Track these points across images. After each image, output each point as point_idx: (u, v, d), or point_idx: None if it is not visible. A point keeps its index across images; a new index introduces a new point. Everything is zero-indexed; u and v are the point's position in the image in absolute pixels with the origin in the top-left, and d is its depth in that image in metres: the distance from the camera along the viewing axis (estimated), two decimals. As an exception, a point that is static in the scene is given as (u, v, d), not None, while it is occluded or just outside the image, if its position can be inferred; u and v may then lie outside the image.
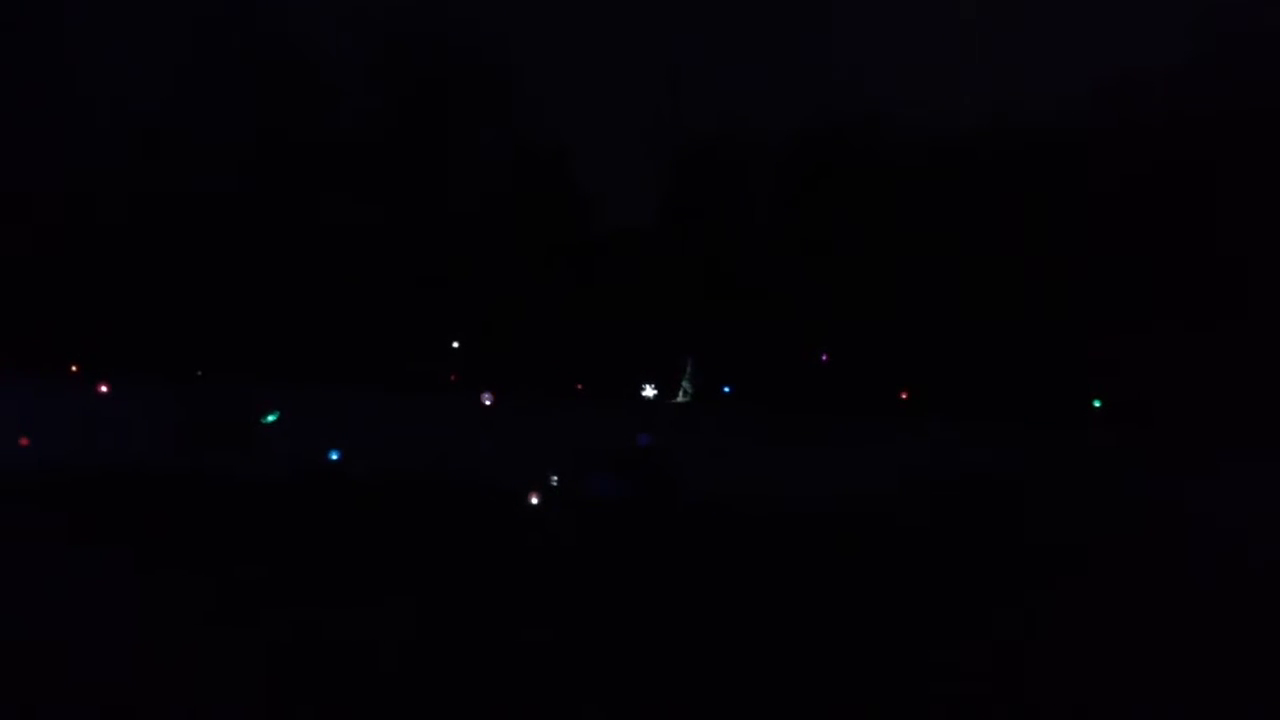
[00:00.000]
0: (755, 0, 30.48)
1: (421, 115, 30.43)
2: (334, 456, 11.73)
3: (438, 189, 29.59)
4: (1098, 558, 9.89)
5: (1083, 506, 12.22)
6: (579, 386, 23.70)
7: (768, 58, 30.41)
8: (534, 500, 10.78)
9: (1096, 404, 23.08)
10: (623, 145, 31.40)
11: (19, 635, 6.73)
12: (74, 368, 23.43)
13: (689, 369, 22.41)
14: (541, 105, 30.34)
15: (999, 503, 11.85)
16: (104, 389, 17.12)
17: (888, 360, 24.97)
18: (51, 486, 10.43)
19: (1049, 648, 7.23)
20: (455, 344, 26.27)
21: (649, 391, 21.44)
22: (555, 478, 11.53)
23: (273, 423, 13.23)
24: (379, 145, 30.42)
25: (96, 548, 8.77)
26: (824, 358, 25.99)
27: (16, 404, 17.18)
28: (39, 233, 26.39)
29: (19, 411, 15.91)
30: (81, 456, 11.61)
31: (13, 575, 8.00)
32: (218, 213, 27.26)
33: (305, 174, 28.96)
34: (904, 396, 24.16)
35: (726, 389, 23.99)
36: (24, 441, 12.09)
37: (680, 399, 22.19)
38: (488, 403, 14.75)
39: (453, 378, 23.62)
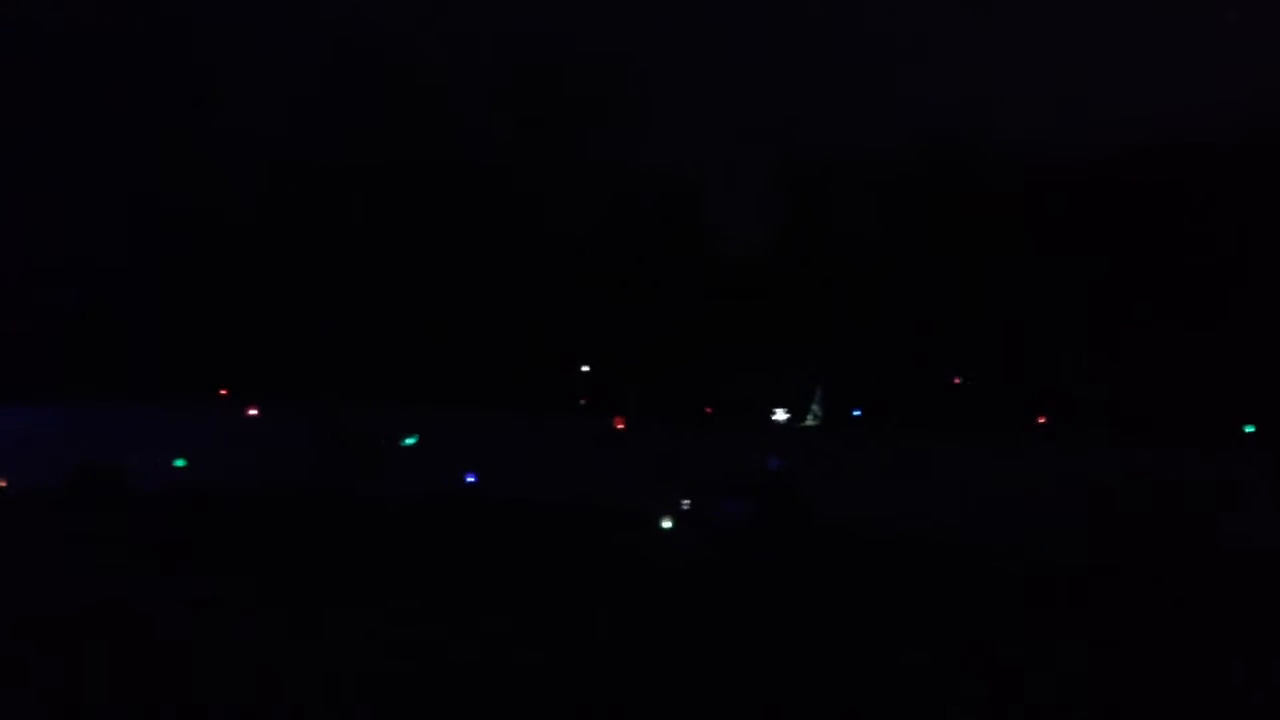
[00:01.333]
0: (863, 20, 30.24)
1: (548, 142, 30.96)
2: (470, 479, 12.00)
3: (565, 216, 30.04)
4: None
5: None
6: (708, 410, 23.65)
7: (882, 76, 30.12)
8: (666, 524, 10.85)
9: (1249, 429, 22.07)
10: (745, 170, 31.38)
11: (176, 636, 7.07)
12: (222, 391, 24.40)
13: (818, 393, 22.23)
14: (662, 131, 30.58)
15: (1145, 528, 11.49)
16: (253, 412, 17.81)
17: (1020, 381, 24.39)
18: (202, 505, 10.85)
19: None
20: (585, 368, 26.48)
21: (780, 415, 21.32)
22: (686, 501, 11.58)
23: (412, 445, 13.59)
24: (508, 172, 31.04)
25: (241, 563, 9.13)
26: (955, 380, 25.51)
27: (172, 426, 18.03)
28: (188, 258, 27.61)
29: (174, 433, 16.69)
30: (233, 475, 12.08)
31: (163, 586, 8.40)
32: (355, 240, 28.13)
33: (438, 202, 29.71)
34: (1041, 421, 23.55)
35: (856, 412, 23.70)
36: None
37: (810, 422, 22.02)
38: (619, 427, 14.89)
39: (583, 401, 23.81)
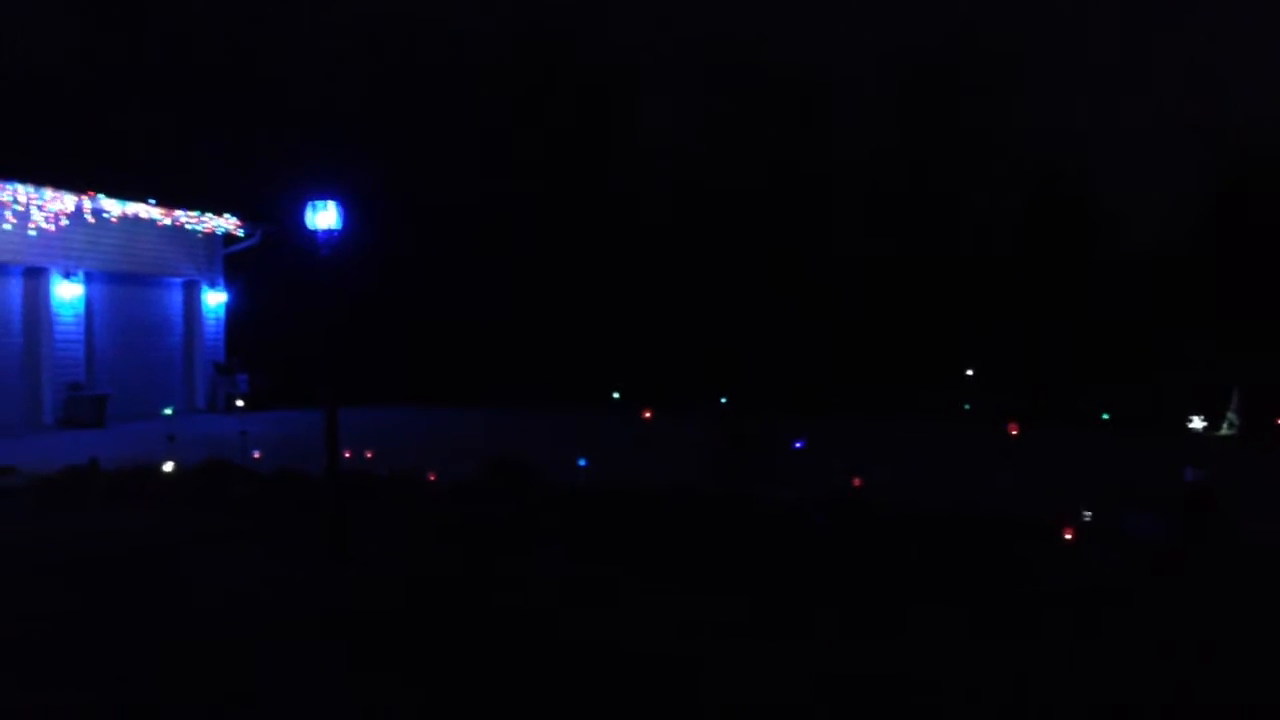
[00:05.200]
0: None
1: (931, 140, 30.41)
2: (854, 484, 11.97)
3: (950, 217, 29.37)
4: None
5: None
6: (1104, 416, 22.27)
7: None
8: (1067, 536, 10.31)
9: None
10: (1146, 156, 29.38)
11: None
12: (615, 395, 25.79)
13: (1235, 399, 20.34)
14: (1052, 111, 29.28)
15: None
16: (647, 415, 18.86)
17: None
18: (595, 501, 11.42)
19: None
20: (969, 372, 25.77)
21: (1197, 423, 19.71)
22: (1088, 513, 10.95)
23: (799, 450, 13.77)
24: (887, 170, 30.81)
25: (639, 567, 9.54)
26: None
27: (574, 427, 19.30)
28: (588, 268, 29.41)
29: (575, 433, 17.87)
30: (634, 475, 12.66)
31: (581, 583, 8.96)
32: (737, 246, 28.96)
33: (818, 208, 29.97)
34: None
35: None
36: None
37: (1225, 431, 20.20)
38: (1014, 433, 14.33)
39: (966, 407, 23.14)
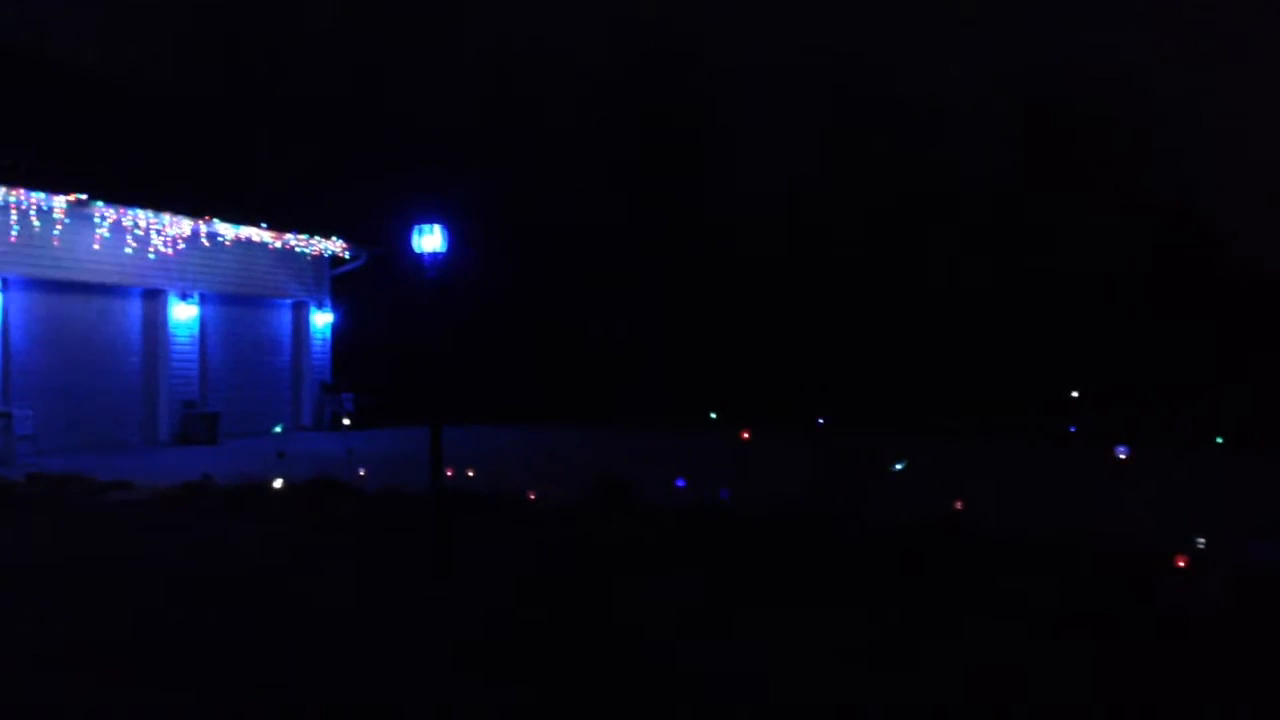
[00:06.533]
0: None
1: (1054, 164, 29.94)
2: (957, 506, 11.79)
3: (1064, 244, 28.86)
4: None
5: None
6: (1217, 440, 21.61)
7: None
8: (1180, 564, 10.00)
9: None
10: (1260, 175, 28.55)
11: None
12: (712, 415, 25.76)
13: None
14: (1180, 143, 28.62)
15: None
16: (745, 435, 18.80)
17: None
18: (695, 521, 11.40)
19: None
20: (1074, 393, 25.22)
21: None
22: (1202, 540, 10.61)
23: (901, 470, 13.62)
24: (990, 192, 30.36)
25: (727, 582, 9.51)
26: None
27: (674, 447, 19.32)
28: (701, 293, 29.53)
29: (676, 454, 17.90)
30: (733, 495, 12.63)
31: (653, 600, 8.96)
32: (852, 270, 28.85)
33: (926, 233, 29.69)
34: None
35: None
36: None
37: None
38: (1122, 456, 13.97)
39: (1072, 429, 22.63)
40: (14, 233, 18.33)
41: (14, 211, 18.24)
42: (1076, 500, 13.80)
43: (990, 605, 8.67)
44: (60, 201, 18.51)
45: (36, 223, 18.48)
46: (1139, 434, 19.27)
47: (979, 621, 8.28)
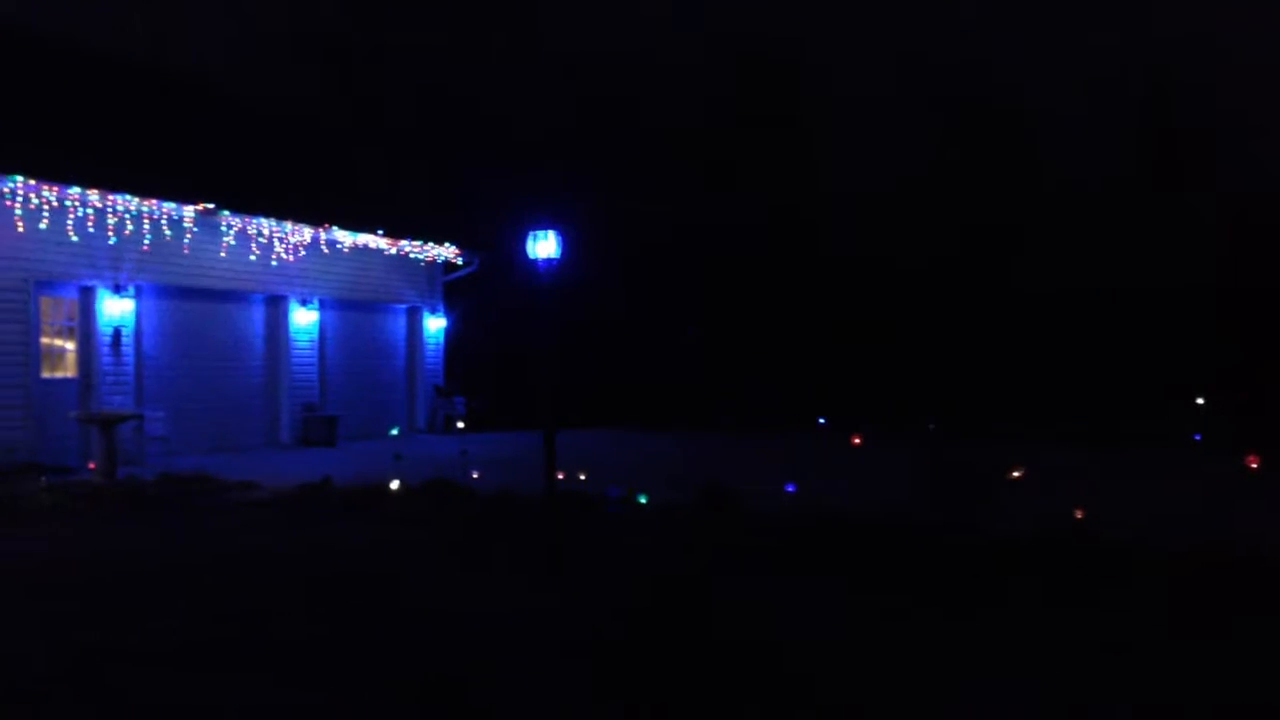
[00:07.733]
0: None
1: (1153, 168, 29.14)
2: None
3: (1158, 251, 28.02)
4: None
5: None
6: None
7: None
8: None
9: None
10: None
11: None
12: (820, 420, 25.57)
13: None
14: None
15: None
16: (857, 441, 18.62)
17: None
18: (806, 527, 11.33)
19: None
20: (1200, 400, 24.52)
21: None
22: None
23: (1016, 478, 13.36)
24: (1097, 196, 29.65)
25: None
26: None
27: (781, 452, 19.24)
28: (791, 296, 29.37)
29: (783, 459, 17.83)
30: (845, 501, 12.54)
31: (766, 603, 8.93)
32: (965, 273, 28.41)
33: (1009, 241, 29.11)
34: None
35: None
36: None
37: None
38: (1253, 466, 13.48)
39: (1196, 437, 21.96)
40: (147, 241, 19.08)
41: (146, 221, 18.99)
42: (1203, 512, 13.35)
43: (1175, 622, 8.40)
44: (190, 211, 19.22)
45: (168, 232, 19.22)
46: (1266, 443, 18.56)
47: (1116, 639, 8.08)
